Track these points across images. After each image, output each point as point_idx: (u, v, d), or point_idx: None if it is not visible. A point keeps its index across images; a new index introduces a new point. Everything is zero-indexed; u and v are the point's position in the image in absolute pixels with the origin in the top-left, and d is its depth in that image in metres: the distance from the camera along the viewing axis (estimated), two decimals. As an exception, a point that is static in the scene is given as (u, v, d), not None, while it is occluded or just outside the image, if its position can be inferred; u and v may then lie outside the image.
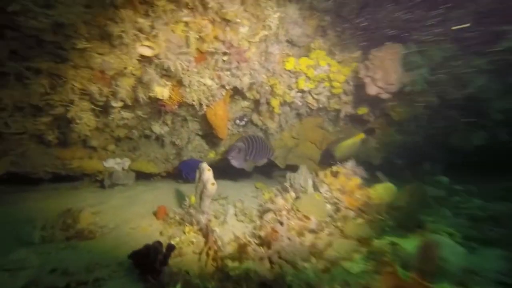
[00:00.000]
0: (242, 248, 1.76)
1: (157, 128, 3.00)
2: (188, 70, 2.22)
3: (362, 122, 3.72)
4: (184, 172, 2.98)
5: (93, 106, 2.27)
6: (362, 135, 3.35)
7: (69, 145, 2.78)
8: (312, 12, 2.86)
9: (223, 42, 2.20)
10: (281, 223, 1.96)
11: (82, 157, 2.90)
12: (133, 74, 2.24)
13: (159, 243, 1.56)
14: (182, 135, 3.28)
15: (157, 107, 2.69)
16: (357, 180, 2.43)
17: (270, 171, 4.85)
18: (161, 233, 2.13)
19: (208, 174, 1.96)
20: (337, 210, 2.42)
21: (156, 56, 2.11)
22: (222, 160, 4.07)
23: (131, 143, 3.22)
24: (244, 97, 3.26)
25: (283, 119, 3.57)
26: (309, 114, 3.66)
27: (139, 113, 2.63)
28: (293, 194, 2.78)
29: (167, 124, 3.09)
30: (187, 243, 1.90)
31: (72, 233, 1.99)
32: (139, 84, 2.30)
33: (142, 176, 3.59)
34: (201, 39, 2.21)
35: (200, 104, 2.51)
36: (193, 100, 2.43)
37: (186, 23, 2.09)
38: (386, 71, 2.34)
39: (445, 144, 3.50)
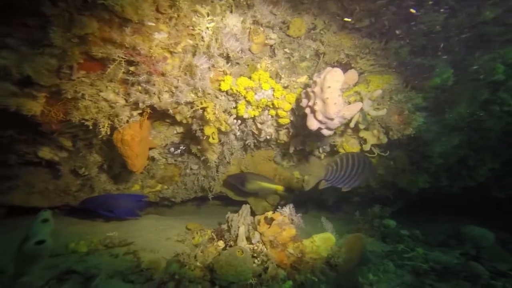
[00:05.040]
0: None
1: (47, 153, 2.28)
2: (70, 79, 1.64)
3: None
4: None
5: None
6: (281, 188, 3.17)
7: None
8: (257, 27, 2.50)
9: (122, 46, 1.69)
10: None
11: None
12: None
13: None
14: (88, 163, 2.57)
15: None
16: (291, 231, 1.96)
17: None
18: None
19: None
20: (266, 269, 1.92)
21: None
22: (155, 193, 3.39)
23: (2, 171, 2.41)
24: (175, 121, 2.71)
25: (227, 151, 3.04)
26: (257, 146, 3.22)
27: (9, 131, 1.93)
28: (221, 244, 2.27)
29: (64, 149, 2.39)
30: None
31: None
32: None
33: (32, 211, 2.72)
34: (83, 40, 1.65)
35: (96, 126, 1.91)
36: (84, 120, 1.83)
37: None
38: (325, 102, 1.94)
39: (394, 185, 3.29)
